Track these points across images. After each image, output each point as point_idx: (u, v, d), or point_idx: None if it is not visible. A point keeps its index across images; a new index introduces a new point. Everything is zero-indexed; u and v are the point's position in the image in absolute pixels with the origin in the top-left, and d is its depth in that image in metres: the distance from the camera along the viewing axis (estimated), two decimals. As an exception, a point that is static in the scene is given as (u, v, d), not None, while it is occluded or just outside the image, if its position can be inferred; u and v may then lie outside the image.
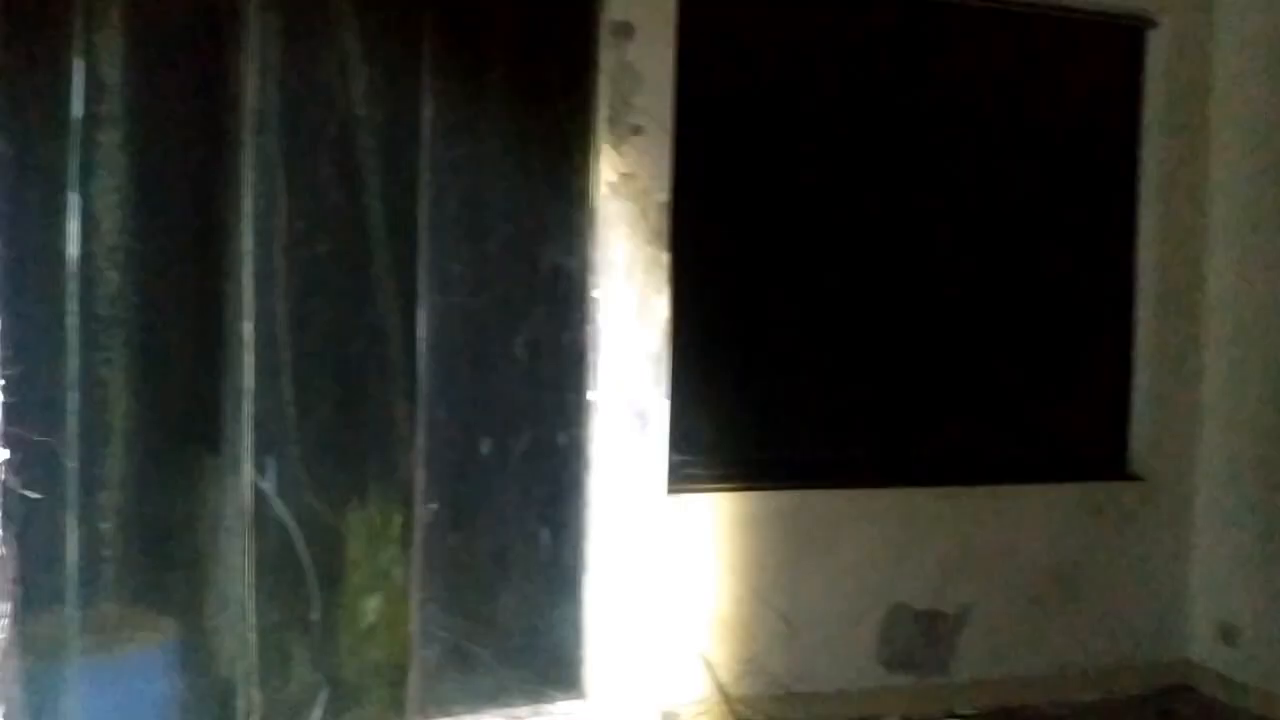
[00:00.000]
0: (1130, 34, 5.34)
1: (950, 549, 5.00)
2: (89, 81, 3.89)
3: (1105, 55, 5.37)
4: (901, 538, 4.95)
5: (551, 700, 4.52)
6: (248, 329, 4.04)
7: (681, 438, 4.65)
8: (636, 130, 4.51)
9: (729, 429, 4.81)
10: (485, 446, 4.43)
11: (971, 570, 5.03)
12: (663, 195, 4.55)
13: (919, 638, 4.96)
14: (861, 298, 5.04)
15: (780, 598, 4.76)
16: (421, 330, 4.30)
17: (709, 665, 4.57)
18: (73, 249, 3.87)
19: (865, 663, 4.89)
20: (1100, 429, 5.38)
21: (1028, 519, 5.13)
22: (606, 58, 4.49)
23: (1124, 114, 5.36)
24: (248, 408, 4.05)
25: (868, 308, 5.05)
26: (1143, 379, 5.35)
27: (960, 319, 5.19)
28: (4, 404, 3.54)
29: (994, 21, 5.12)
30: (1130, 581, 5.26)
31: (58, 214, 3.85)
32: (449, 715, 4.35)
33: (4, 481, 3.53)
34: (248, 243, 4.04)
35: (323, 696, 4.17)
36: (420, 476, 4.31)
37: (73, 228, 3.87)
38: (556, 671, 4.55)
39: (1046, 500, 5.17)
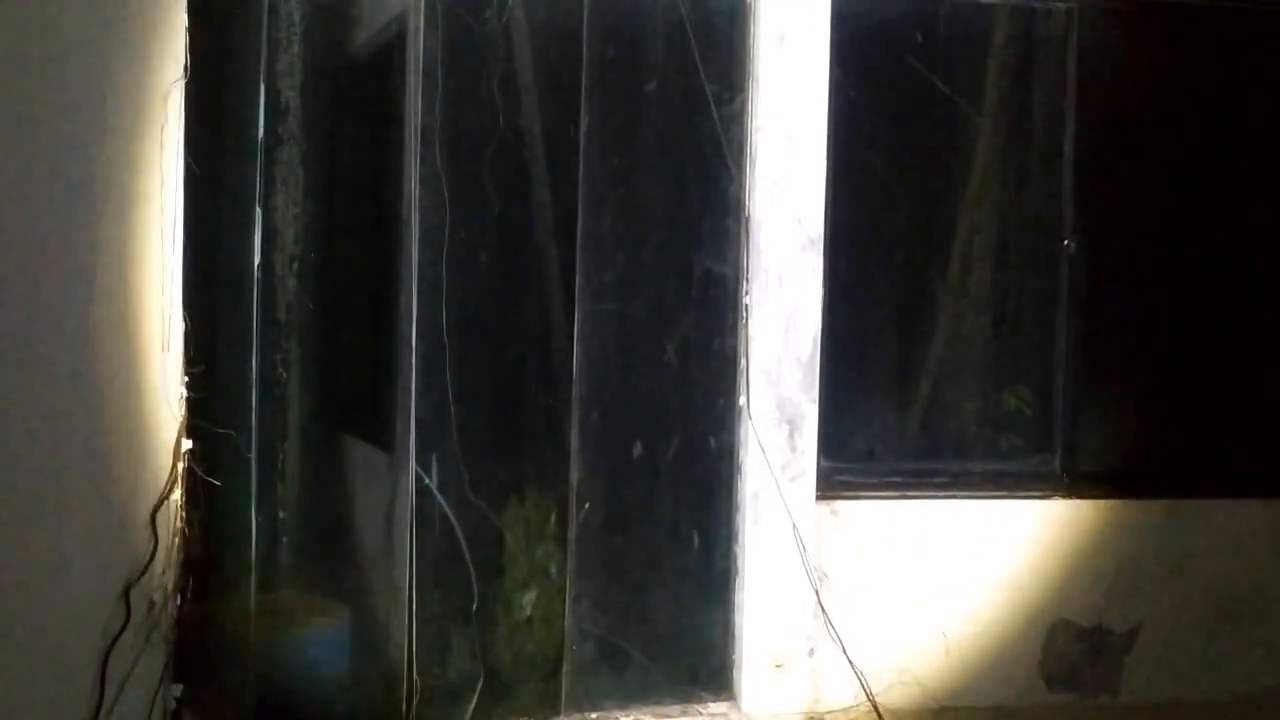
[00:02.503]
0: None
1: (1120, 564, 4.80)
2: (270, 105, 4.23)
3: None
4: (1068, 550, 4.78)
5: (701, 701, 4.59)
6: (413, 333, 4.28)
7: (833, 444, 4.65)
8: (790, 138, 4.56)
9: (883, 436, 4.77)
10: (637, 449, 4.55)
11: (1143, 587, 4.81)
12: (816, 202, 4.58)
13: (1084, 656, 4.78)
14: (1024, 298, 4.90)
15: (936, 609, 4.68)
16: (576, 335, 4.45)
17: (860, 675, 4.54)
18: (255, 259, 4.20)
19: (1025, 680, 4.75)
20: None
21: (1207, 535, 4.87)
22: (760, 68, 4.55)
23: None
24: (413, 407, 4.28)
25: (1031, 307, 4.90)
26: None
27: (1140, 319, 4.98)
28: (188, 399, 3.90)
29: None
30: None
31: (243, 228, 4.20)
32: (600, 710, 4.47)
33: (188, 469, 3.88)
34: (413, 252, 4.28)
35: (480, 685, 4.35)
36: (575, 477, 4.46)
37: (255, 240, 4.20)
38: (706, 673, 4.62)
39: (1229, 515, 4.90)
